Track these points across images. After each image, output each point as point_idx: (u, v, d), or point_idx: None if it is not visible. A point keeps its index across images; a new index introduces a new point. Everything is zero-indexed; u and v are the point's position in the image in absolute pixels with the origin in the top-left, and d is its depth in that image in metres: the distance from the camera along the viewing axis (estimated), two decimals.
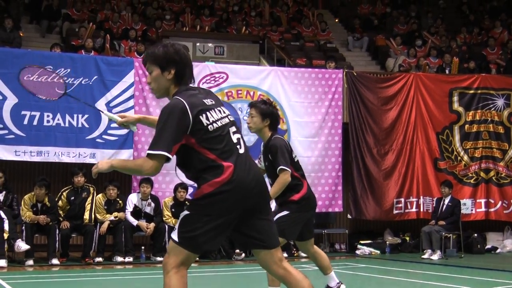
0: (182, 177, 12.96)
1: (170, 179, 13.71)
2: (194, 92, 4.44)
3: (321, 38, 20.90)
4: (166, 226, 12.91)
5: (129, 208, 12.97)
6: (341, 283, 7.20)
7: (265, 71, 15.07)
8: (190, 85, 4.51)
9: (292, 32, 21.13)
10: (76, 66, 13.55)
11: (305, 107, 14.74)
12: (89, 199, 12.69)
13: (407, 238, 15.39)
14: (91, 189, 12.82)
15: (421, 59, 18.84)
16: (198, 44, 17.95)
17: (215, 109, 4.43)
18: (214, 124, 4.33)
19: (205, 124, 4.30)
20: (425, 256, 13.73)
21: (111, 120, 5.10)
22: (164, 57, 4.42)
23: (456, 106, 15.66)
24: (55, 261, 11.93)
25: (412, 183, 15.23)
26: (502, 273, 11.27)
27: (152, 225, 12.84)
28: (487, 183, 15.65)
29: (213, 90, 14.12)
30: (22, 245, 11.57)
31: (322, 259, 6.96)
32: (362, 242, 14.94)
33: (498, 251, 15.44)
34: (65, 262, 12.25)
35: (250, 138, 14.37)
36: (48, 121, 13.24)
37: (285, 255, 13.31)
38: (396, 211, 15.10)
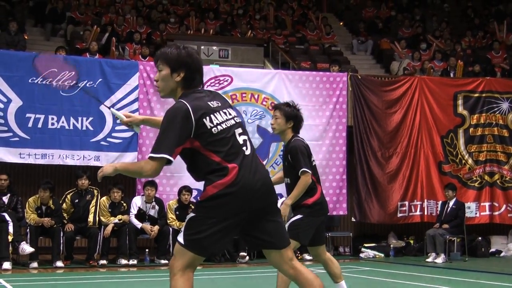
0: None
1: (175, 182, 13.71)
2: (200, 95, 4.43)
3: (326, 42, 20.91)
4: (170, 229, 12.91)
5: (133, 210, 12.98)
6: None
7: (270, 74, 15.08)
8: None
9: (296, 36, 21.13)
10: (81, 69, 13.56)
11: (310, 110, 14.72)
12: (93, 201, 12.70)
13: (411, 242, 15.36)
14: (95, 191, 12.83)
15: (426, 63, 18.84)
16: (202, 47, 17.97)
17: (221, 111, 4.42)
18: (219, 127, 4.32)
19: (209, 127, 4.29)
20: (429, 259, 13.71)
21: (117, 118, 5.10)
22: (176, 58, 4.43)
23: (460, 109, 15.64)
24: (59, 263, 11.94)
25: (417, 187, 15.21)
26: (507, 277, 11.24)
27: (156, 228, 12.84)
28: (491, 187, 15.63)
29: None
30: (26, 248, 11.59)
31: (334, 267, 6.93)
32: (366, 245, 14.93)
33: (502, 254, 15.41)
34: (69, 265, 12.26)
35: (255, 141, 14.40)
36: (52, 124, 13.25)
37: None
38: (400, 215, 15.08)
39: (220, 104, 4.47)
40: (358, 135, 15.05)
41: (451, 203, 14.31)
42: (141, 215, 13.01)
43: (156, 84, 4.58)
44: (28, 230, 12.05)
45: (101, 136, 13.50)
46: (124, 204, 13.01)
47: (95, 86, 13.48)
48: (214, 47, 18.07)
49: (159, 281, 10.63)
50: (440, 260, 13.57)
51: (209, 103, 4.40)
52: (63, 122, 13.31)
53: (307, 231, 6.63)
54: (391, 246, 15.02)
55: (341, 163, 14.80)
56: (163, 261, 12.71)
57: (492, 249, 15.53)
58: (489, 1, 25.59)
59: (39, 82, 13.16)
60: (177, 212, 13.16)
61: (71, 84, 5.71)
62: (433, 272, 11.97)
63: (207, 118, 4.31)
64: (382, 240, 15.34)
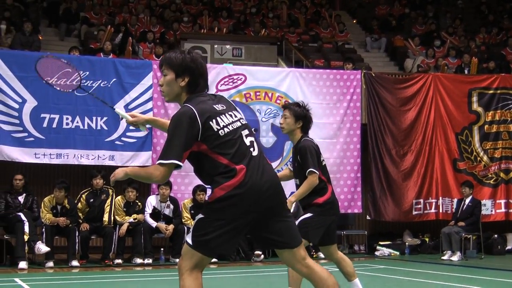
0: None
1: (189, 181, 13.73)
2: (204, 99, 4.45)
3: (339, 39, 20.88)
4: (185, 228, 12.92)
5: (148, 210, 13.00)
6: None
7: (283, 73, 15.07)
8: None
9: (310, 34, 21.10)
10: (95, 69, 13.62)
11: (324, 108, 14.72)
12: (108, 201, 12.74)
13: (427, 239, 15.31)
14: (110, 191, 12.87)
15: (440, 60, 18.77)
16: (216, 46, 17.98)
17: (226, 114, 4.43)
18: (225, 129, 4.34)
19: (216, 130, 4.31)
20: (445, 257, 13.66)
21: (122, 118, 5.11)
22: (180, 64, 4.45)
23: (475, 106, 15.57)
24: (75, 263, 11.98)
25: (431, 184, 15.16)
26: None
27: (171, 227, 12.86)
28: (507, 184, 15.56)
29: (231, 92, 14.20)
30: (42, 247, 11.64)
31: (346, 265, 6.92)
32: (381, 243, 14.89)
33: None
34: (84, 264, 12.31)
35: (269, 140, 14.41)
36: (67, 124, 13.31)
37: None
38: (415, 212, 15.03)
39: (225, 107, 4.48)
40: (373, 133, 15.01)
41: (467, 200, 14.25)
42: (156, 214, 13.04)
43: (161, 89, 4.62)
44: (43, 229, 12.10)
45: (115, 135, 13.54)
46: (139, 204, 13.04)
47: (109, 85, 13.53)
48: (228, 46, 18.07)
49: (174, 280, 10.62)
50: (455, 258, 13.52)
51: (214, 106, 4.42)
52: (77, 122, 13.36)
53: (317, 230, 6.63)
54: (406, 244, 14.98)
55: (356, 161, 14.77)
56: (178, 260, 12.70)
57: (508, 247, 15.44)
58: None
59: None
60: (192, 211, 13.17)
61: (75, 87, 5.71)
62: (449, 270, 11.92)
63: (213, 120, 4.33)
64: (397, 238, 15.29)
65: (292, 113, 6.86)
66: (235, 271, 11.87)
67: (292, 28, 20.93)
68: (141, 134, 13.57)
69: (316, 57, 19.02)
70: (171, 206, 13.14)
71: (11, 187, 12.41)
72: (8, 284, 9.75)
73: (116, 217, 12.75)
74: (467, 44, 20.59)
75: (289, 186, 14.15)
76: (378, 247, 14.78)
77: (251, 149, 4.42)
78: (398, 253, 14.73)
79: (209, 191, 13.13)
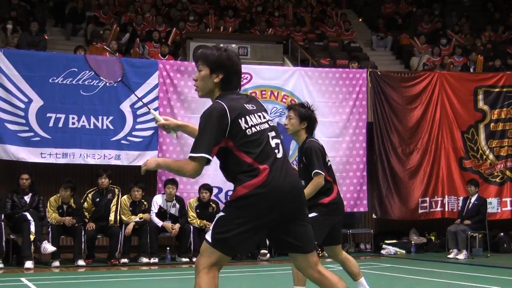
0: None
1: (195, 180, 13.69)
2: (237, 97, 4.50)
3: (345, 38, 20.86)
4: (191, 227, 12.94)
5: (154, 209, 13.01)
6: None
7: (289, 72, 15.06)
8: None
9: (316, 32, 21.10)
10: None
11: (330, 107, 14.71)
12: (114, 200, 12.76)
13: (433, 238, 15.30)
14: (116, 190, 12.89)
15: (446, 58, 18.74)
16: (221, 45, 17.88)
17: (255, 114, 4.47)
18: (253, 128, 4.37)
19: (244, 128, 4.34)
20: (451, 255, 13.64)
21: (155, 120, 5.17)
22: (216, 60, 4.49)
23: (481, 104, 15.55)
24: (81, 262, 12.01)
25: (437, 182, 15.15)
26: None
27: (177, 226, 12.87)
28: None
29: None
30: (48, 247, 11.67)
31: (351, 266, 6.90)
32: (387, 242, 14.88)
33: None
34: (91, 263, 12.33)
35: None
36: (73, 123, 13.32)
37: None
38: (422, 211, 15.01)
39: (255, 108, 4.53)
40: (379, 131, 15.00)
41: (473, 198, 14.23)
42: (162, 213, 13.05)
43: (195, 84, 4.63)
44: (49, 229, 12.12)
45: (121, 135, 13.56)
46: (145, 203, 13.05)
47: (114, 85, 13.52)
48: (233, 45, 18.05)
49: (180, 279, 10.68)
50: (462, 256, 13.50)
51: (245, 105, 4.46)
52: (83, 122, 13.37)
53: (321, 230, 6.62)
54: (413, 242, 14.97)
55: (362, 160, 14.76)
56: (184, 259, 12.75)
57: None
58: None
59: (59, 82, 13.27)
60: (198, 210, 13.18)
61: (118, 79, 5.82)
62: (455, 268, 11.90)
63: (242, 119, 4.36)
64: (404, 236, 15.27)
65: (296, 113, 6.88)
66: (241, 270, 11.88)
67: (298, 27, 20.92)
68: (147, 133, 13.59)
69: (322, 56, 19.00)
70: (177, 205, 13.15)
71: (17, 186, 12.44)
72: (14, 283, 9.78)
73: (122, 216, 12.77)
74: (473, 42, 20.55)
75: None
76: (384, 246, 14.77)
77: (276, 150, 4.44)
78: (404, 251, 14.72)
79: (215, 190, 13.25)
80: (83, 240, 12.22)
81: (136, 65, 14.04)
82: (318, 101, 14.57)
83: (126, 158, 13.47)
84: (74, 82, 13.39)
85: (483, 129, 15.49)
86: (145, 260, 12.54)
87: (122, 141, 13.55)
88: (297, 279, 6.64)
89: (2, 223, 11.86)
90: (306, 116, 6.88)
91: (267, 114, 4.61)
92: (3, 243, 11.78)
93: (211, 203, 13.31)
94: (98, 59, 6.22)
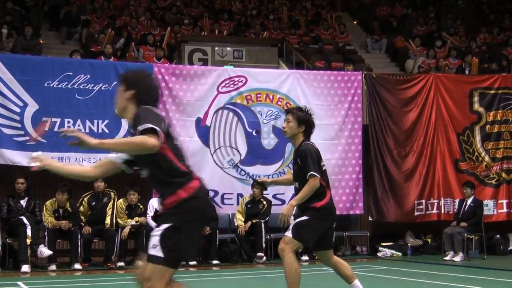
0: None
1: None
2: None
3: (340, 41, 20.85)
4: None
5: (150, 212, 13.01)
6: None
7: (284, 74, 15.07)
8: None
9: (310, 35, 21.09)
10: (96, 72, 13.62)
11: (325, 109, 14.72)
12: (110, 204, 12.76)
13: (429, 240, 15.31)
14: (112, 194, 12.89)
15: (441, 60, 18.75)
16: (216, 48, 17.96)
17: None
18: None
19: (173, 135, 4.54)
20: (447, 258, 13.65)
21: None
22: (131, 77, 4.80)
23: (476, 106, 15.57)
24: (77, 266, 12.02)
25: (433, 185, 15.16)
26: None
27: None
28: (508, 184, 15.55)
29: (232, 94, 14.24)
30: (44, 251, 11.66)
31: (344, 269, 6.93)
32: (383, 244, 14.88)
33: None
34: (87, 267, 12.31)
35: (270, 142, 14.42)
36: (68, 127, 13.29)
37: (306, 258, 13.37)
38: (417, 213, 15.03)
39: None
40: (374, 134, 15.01)
41: (469, 201, 14.24)
42: (158, 216, 13.03)
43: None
44: (46, 233, 12.12)
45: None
46: (141, 206, 13.05)
47: (110, 88, 13.52)
48: (228, 48, 18.05)
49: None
50: (458, 258, 13.51)
51: None
52: (79, 125, 13.36)
53: (311, 234, 6.68)
54: (409, 245, 14.98)
55: (357, 162, 14.77)
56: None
57: (511, 247, 15.40)
58: None
59: (54, 86, 13.26)
60: None
61: None
62: (452, 271, 11.92)
63: (171, 129, 4.59)
64: (400, 239, 15.27)
65: (295, 117, 6.93)
66: (237, 273, 11.87)
67: (292, 29, 20.92)
68: None
69: (317, 59, 19.01)
70: None
71: (13, 191, 12.44)
72: (11, 287, 9.76)
73: (118, 220, 12.77)
74: (468, 44, 20.57)
75: (291, 188, 14.16)
76: (380, 248, 14.77)
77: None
78: (400, 254, 14.72)
79: (210, 193, 13.21)
80: (79, 243, 12.22)
81: (131, 68, 13.97)
82: (313, 104, 14.55)
83: None
84: (69, 86, 13.39)
85: (478, 131, 15.51)
86: (141, 263, 12.49)
87: None
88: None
89: None
90: (304, 119, 6.93)
91: None
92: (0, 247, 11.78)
93: None
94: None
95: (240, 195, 14.09)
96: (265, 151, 14.50)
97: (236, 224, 13.58)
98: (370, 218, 15.05)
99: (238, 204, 13.92)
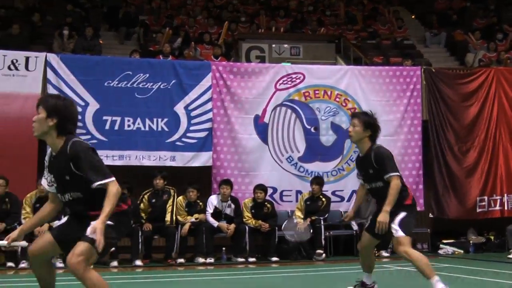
0: None
1: (250, 180, 13.78)
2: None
3: (398, 35, 20.66)
4: (246, 227, 12.97)
5: (210, 209, 13.09)
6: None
7: (342, 70, 14.99)
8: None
9: (368, 30, 20.95)
10: (155, 71, 13.77)
11: (383, 105, 14.59)
12: (170, 201, 12.87)
13: (492, 237, 15.03)
14: (172, 191, 13.00)
15: (502, 53, 18.39)
16: (273, 45, 18.01)
17: None
18: None
19: None
20: (511, 255, 13.39)
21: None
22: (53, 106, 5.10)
23: None
24: (138, 262, 12.15)
25: (496, 181, 14.87)
26: None
27: (232, 226, 12.91)
28: None
29: (290, 90, 14.27)
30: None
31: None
32: (444, 241, 14.68)
33: None
34: (148, 264, 12.45)
35: (329, 138, 14.37)
36: (128, 126, 13.48)
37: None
38: (480, 210, 14.77)
39: None
40: (434, 129, 14.81)
41: None
42: (217, 213, 13.11)
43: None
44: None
45: (176, 136, 13.66)
46: (200, 203, 13.14)
47: (169, 87, 13.67)
48: (285, 45, 18.09)
49: (236, 279, 10.71)
50: None
51: None
52: (139, 124, 13.52)
53: (413, 227, 7.11)
54: (471, 242, 14.75)
55: (417, 158, 14.60)
56: (239, 259, 12.77)
57: None
58: None
59: (114, 85, 13.45)
60: (253, 210, 13.22)
61: None
62: None
63: None
64: (461, 236, 15.04)
65: (361, 121, 7.02)
66: (296, 270, 11.85)
67: (349, 25, 20.82)
68: (202, 134, 13.67)
69: (375, 54, 18.88)
70: (232, 206, 13.20)
71: None
72: (73, 282, 9.89)
73: (178, 217, 12.87)
74: None
75: (350, 185, 14.08)
76: (441, 246, 14.58)
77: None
78: (462, 251, 14.51)
79: (269, 191, 13.23)
80: (140, 240, 12.37)
81: (189, 67, 14.14)
82: (371, 100, 14.51)
83: (181, 159, 13.58)
84: (129, 85, 13.56)
85: None
86: (201, 260, 12.61)
87: (177, 143, 13.66)
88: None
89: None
90: (370, 124, 7.03)
91: None
92: None
93: (266, 203, 13.33)
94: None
95: (299, 192, 14.07)
96: (323, 147, 14.44)
97: (295, 221, 13.56)
98: (430, 215, 14.86)
99: (297, 201, 13.90)
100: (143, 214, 12.82)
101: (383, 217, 6.82)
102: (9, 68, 13.14)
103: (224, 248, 13.15)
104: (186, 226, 12.69)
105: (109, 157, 13.25)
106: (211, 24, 19.77)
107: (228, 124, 13.94)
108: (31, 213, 11.81)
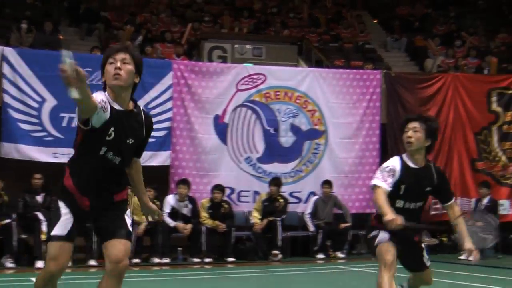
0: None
1: (208, 180, 13.77)
2: None
3: (360, 40, 20.80)
4: (203, 228, 12.95)
5: (167, 209, 13.03)
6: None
7: (303, 72, 15.07)
8: None
9: (330, 34, 21.04)
10: None
11: (343, 108, 14.69)
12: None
13: (444, 239, 15.21)
14: (129, 191, 12.87)
15: (460, 60, 18.67)
16: (236, 45, 17.98)
17: None
18: None
19: None
20: (463, 257, 13.52)
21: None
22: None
23: (494, 106, 15.49)
24: (92, 262, 12.07)
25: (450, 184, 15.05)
26: None
27: (189, 226, 12.89)
28: None
29: (251, 91, 14.27)
30: None
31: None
32: None
33: None
34: (102, 263, 12.32)
35: (288, 140, 14.41)
36: None
37: (322, 256, 13.37)
38: (433, 212, 14.91)
39: None
40: (392, 132, 14.94)
41: (485, 200, 14.22)
42: (174, 213, 13.07)
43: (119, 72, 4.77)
44: None
45: None
46: (157, 203, 13.04)
47: None
48: (248, 46, 18.07)
49: (192, 280, 10.71)
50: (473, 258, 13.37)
51: None
52: None
53: None
54: (423, 244, 14.85)
55: (374, 161, 14.71)
56: (196, 260, 12.75)
57: None
58: None
59: None
60: (210, 211, 13.21)
61: None
62: (467, 270, 11.84)
63: None
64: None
65: (425, 128, 5.85)
66: (253, 271, 11.87)
67: (312, 28, 20.90)
68: (161, 133, 13.56)
69: (337, 57, 18.97)
70: (190, 206, 13.17)
71: (29, 186, 12.48)
72: (25, 283, 9.81)
73: (134, 216, 12.77)
74: (487, 44, 20.45)
75: (307, 186, 14.10)
76: None
77: None
78: None
79: (227, 191, 13.25)
80: (94, 240, 12.23)
81: (150, 65, 13.98)
82: (331, 102, 14.61)
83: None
84: (88, 82, 13.37)
85: (496, 131, 15.44)
86: (156, 260, 12.56)
87: None
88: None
89: (14, 222, 11.91)
90: (433, 133, 5.92)
91: None
92: (15, 243, 11.84)
93: (223, 203, 13.33)
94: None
95: (257, 193, 14.08)
96: (282, 149, 14.48)
97: (252, 221, 13.59)
98: None
99: (254, 201, 13.93)
100: None
101: (476, 254, 6.02)
102: None
103: (180, 248, 13.11)
104: (142, 226, 12.62)
105: (65, 155, 12.95)
106: (174, 22, 19.69)
107: (187, 124, 13.89)
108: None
